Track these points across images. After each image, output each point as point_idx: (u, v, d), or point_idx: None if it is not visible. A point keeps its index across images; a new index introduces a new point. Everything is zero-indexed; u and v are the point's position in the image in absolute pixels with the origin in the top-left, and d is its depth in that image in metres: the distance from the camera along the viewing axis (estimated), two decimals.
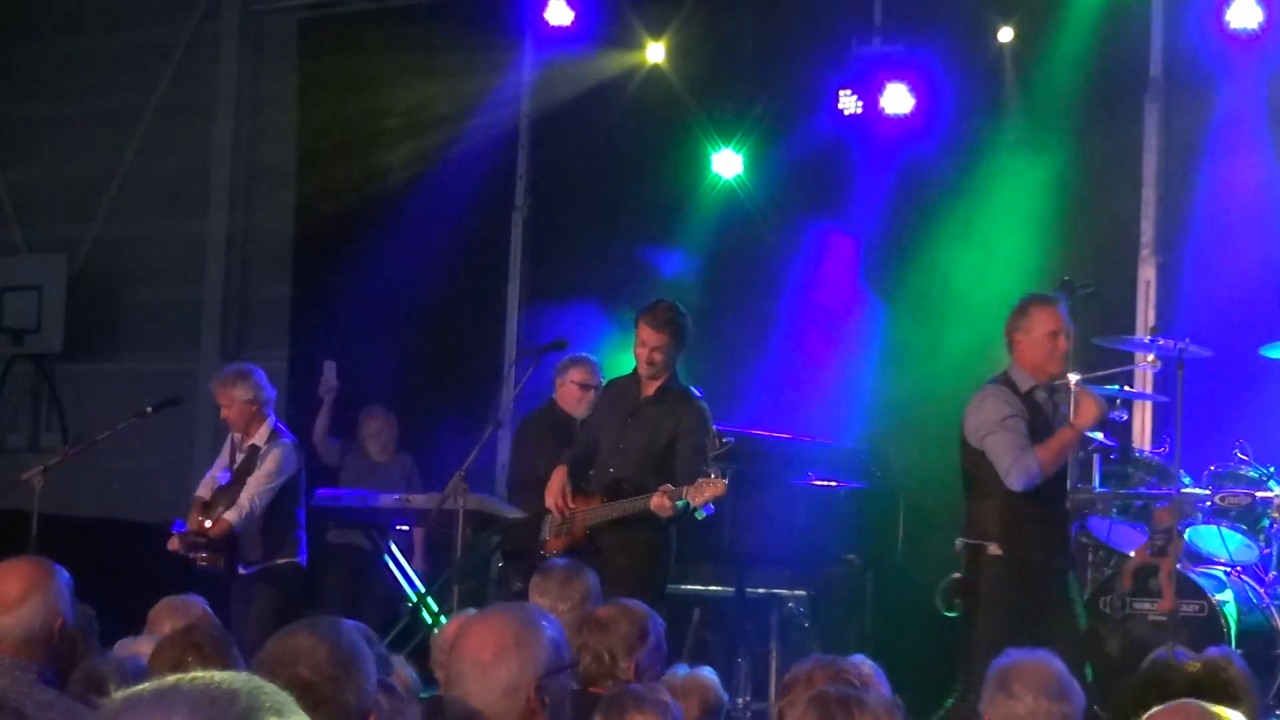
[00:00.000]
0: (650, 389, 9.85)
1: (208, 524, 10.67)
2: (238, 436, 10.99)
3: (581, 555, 9.49)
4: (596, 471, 9.86)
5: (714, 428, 10.03)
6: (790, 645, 11.04)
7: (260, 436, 10.82)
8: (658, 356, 9.72)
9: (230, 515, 10.59)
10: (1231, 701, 4.64)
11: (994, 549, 8.77)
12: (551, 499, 9.76)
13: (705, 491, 9.24)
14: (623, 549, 9.48)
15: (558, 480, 9.78)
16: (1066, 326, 8.89)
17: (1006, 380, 8.93)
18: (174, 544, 10.68)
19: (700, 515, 9.39)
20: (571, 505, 9.72)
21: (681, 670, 6.41)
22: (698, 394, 9.92)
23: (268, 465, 10.72)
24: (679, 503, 9.27)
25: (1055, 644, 7.92)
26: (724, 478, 9.30)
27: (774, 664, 11.09)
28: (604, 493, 9.72)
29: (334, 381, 13.25)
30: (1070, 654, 8.17)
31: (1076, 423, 8.75)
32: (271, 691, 2.37)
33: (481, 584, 11.43)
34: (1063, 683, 5.72)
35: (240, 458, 10.90)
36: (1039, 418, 8.83)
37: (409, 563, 12.36)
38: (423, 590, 11.81)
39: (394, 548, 12.16)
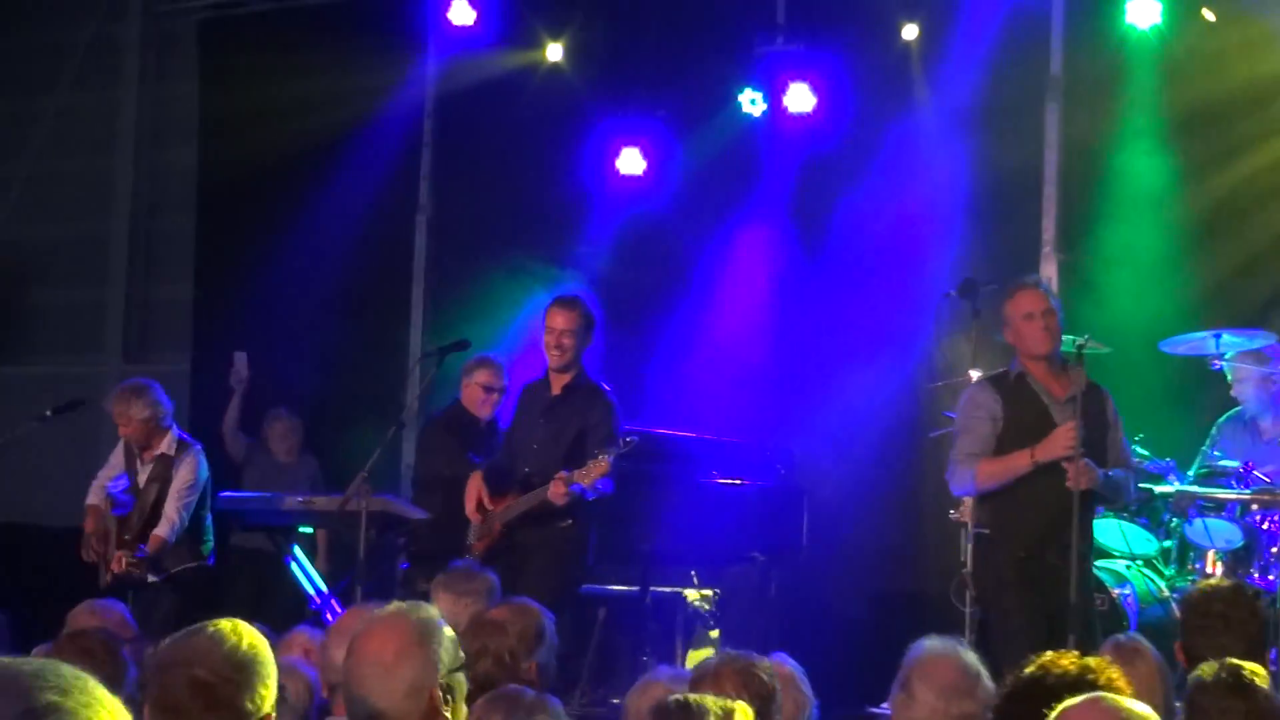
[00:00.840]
0: (559, 386, 9.93)
1: (141, 544, 10.65)
2: (137, 448, 10.92)
3: (501, 554, 9.62)
4: (515, 473, 9.95)
5: (619, 421, 10.03)
6: (696, 643, 11.06)
7: (168, 446, 10.80)
8: (566, 340, 9.80)
9: (162, 530, 10.63)
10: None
11: (990, 535, 8.75)
12: (469, 507, 9.83)
13: (592, 472, 9.37)
14: (542, 547, 9.61)
15: (473, 488, 9.85)
16: (1046, 305, 8.79)
17: (1003, 373, 8.93)
18: (108, 579, 10.64)
19: (594, 495, 9.52)
20: (489, 506, 9.79)
21: None
22: (606, 388, 9.99)
23: (184, 475, 10.75)
24: (573, 487, 9.36)
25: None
26: (608, 456, 9.38)
27: (680, 662, 11.07)
28: (517, 491, 9.80)
29: (245, 372, 13.22)
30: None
31: (1035, 452, 8.62)
32: (65, 674, 2.29)
33: (387, 586, 11.36)
34: (968, 680, 5.58)
35: (148, 469, 10.83)
36: (1026, 405, 8.77)
37: (313, 564, 12.31)
38: (327, 593, 11.75)
39: (298, 550, 12.09)
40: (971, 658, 5.70)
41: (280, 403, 13.42)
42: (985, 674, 5.66)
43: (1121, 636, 6.68)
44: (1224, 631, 6.37)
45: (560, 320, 9.85)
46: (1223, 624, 6.42)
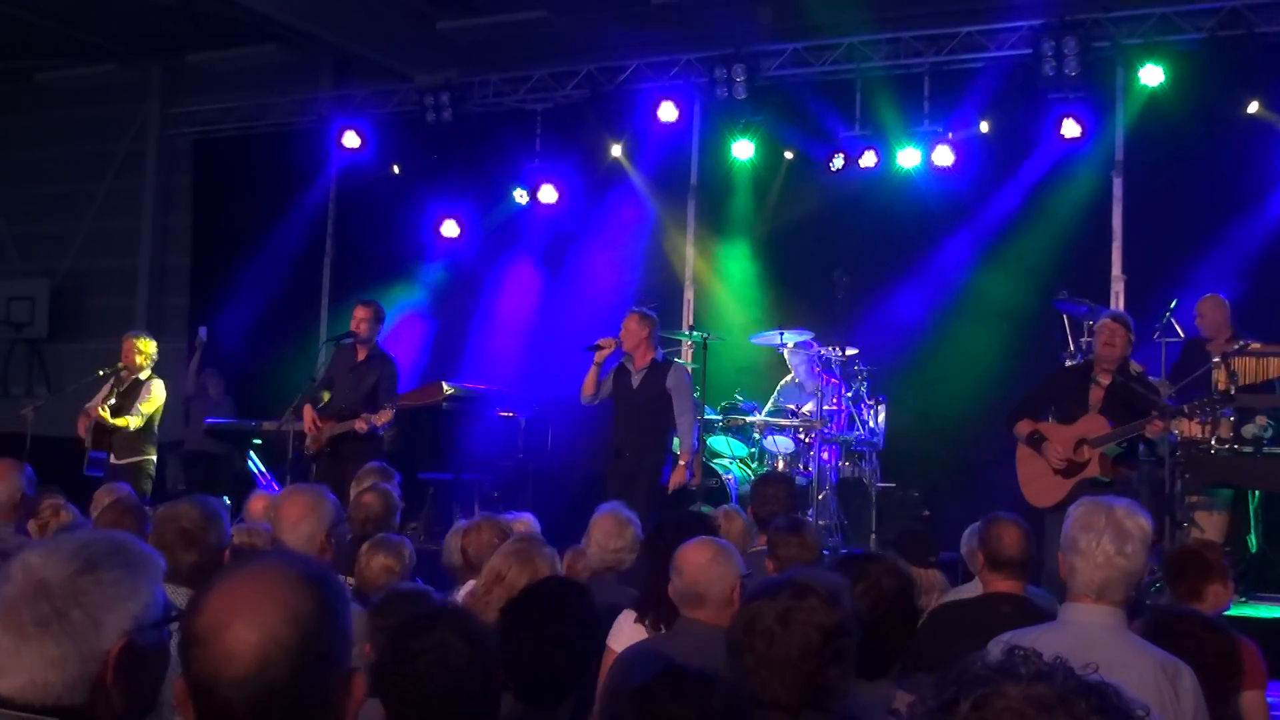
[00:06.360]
0: (361, 354, 9.57)
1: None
2: (124, 375, 10.19)
3: (327, 457, 9.33)
4: (335, 404, 9.60)
5: (397, 374, 9.71)
6: (485, 506, 11.13)
7: (145, 374, 10.22)
8: (364, 326, 9.53)
9: (132, 422, 9.98)
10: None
11: None
12: (305, 424, 9.53)
13: (381, 417, 9.12)
14: (355, 457, 8.97)
15: (308, 413, 9.52)
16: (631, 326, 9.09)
17: None
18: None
19: (381, 430, 9.19)
20: (319, 425, 9.49)
21: None
22: (391, 356, 9.68)
23: (152, 392, 10.12)
24: (371, 425, 9.12)
25: None
26: (393, 410, 9.13)
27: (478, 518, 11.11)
28: (335, 417, 9.47)
29: (204, 339, 13.13)
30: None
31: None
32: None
33: (304, 473, 11.33)
34: (619, 526, 5.32)
35: (123, 387, 10.19)
36: None
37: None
38: (270, 476, 11.71)
39: (253, 454, 12.00)
40: (629, 514, 5.48)
41: (218, 366, 13.30)
42: (636, 526, 5.34)
43: (725, 506, 6.84)
44: (772, 500, 6.68)
45: (359, 312, 9.60)
46: (773, 496, 6.72)
